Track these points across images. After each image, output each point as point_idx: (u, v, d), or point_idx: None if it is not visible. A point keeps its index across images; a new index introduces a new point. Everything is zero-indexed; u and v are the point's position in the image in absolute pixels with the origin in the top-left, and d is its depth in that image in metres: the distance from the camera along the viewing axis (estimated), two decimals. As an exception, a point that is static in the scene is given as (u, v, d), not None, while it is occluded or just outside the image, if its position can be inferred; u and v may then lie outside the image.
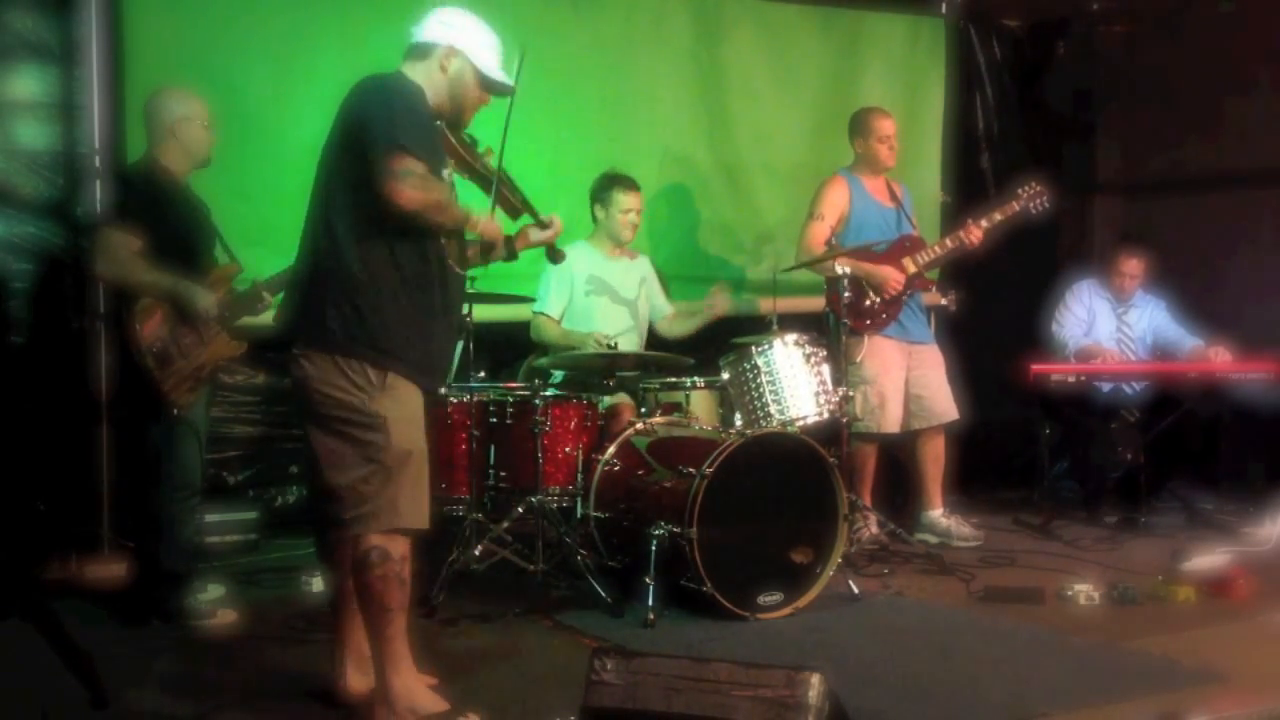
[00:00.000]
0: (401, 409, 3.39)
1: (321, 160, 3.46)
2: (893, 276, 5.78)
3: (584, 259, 5.67)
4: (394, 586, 3.37)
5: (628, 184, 5.67)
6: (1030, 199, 6.02)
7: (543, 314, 5.62)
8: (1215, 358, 6.18)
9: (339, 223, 3.34)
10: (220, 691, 3.78)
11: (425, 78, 3.48)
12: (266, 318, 4.77)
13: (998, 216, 5.96)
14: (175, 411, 4.43)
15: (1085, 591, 4.79)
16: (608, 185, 5.67)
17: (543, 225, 3.82)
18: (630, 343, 5.70)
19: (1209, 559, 5.13)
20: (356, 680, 3.58)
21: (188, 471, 4.54)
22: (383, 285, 3.34)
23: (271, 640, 4.30)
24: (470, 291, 4.95)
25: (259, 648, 4.23)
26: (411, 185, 3.24)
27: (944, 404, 5.94)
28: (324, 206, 3.40)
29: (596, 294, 5.67)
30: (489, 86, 3.58)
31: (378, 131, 3.25)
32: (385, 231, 3.33)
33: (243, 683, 3.87)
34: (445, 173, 3.51)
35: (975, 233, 5.88)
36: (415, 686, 3.44)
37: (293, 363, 3.39)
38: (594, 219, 5.74)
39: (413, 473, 3.41)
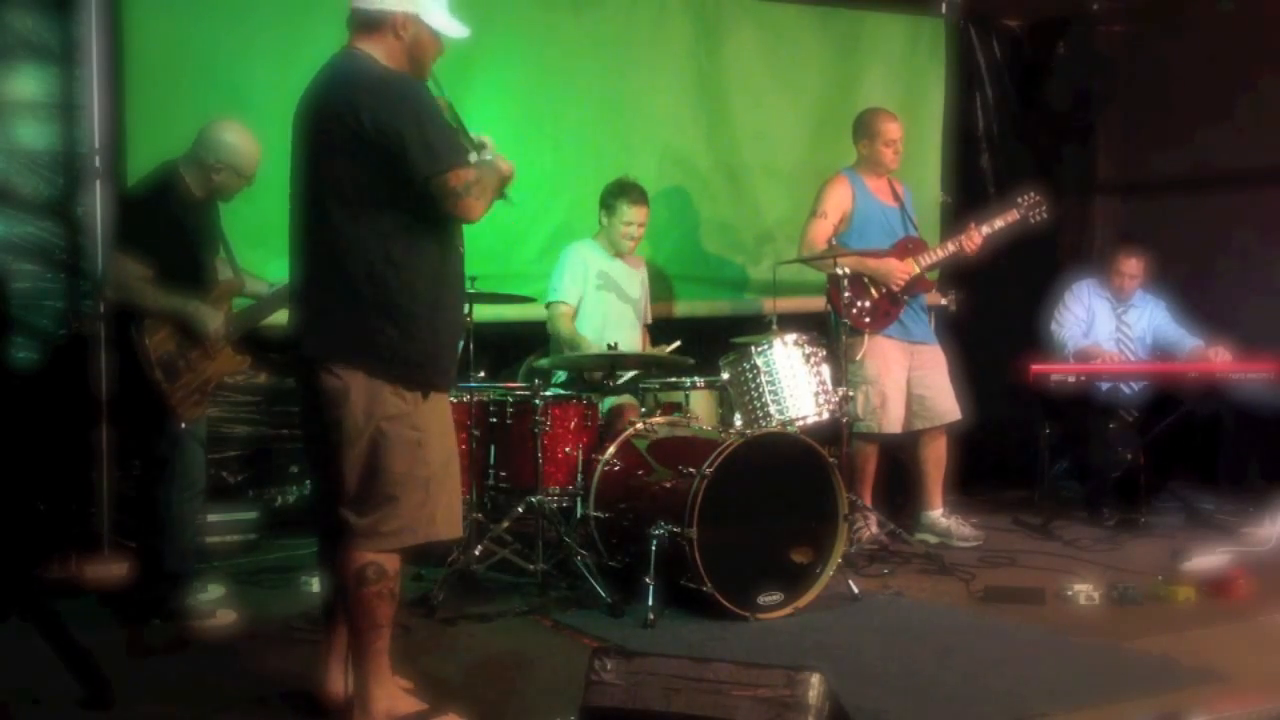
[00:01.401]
0: (439, 420, 3.43)
1: (319, 167, 3.34)
2: (897, 268, 5.78)
3: (594, 255, 5.69)
4: (387, 602, 3.36)
5: (636, 197, 5.66)
6: (1029, 208, 6.04)
7: (562, 303, 5.62)
8: (1215, 358, 6.18)
9: (368, 238, 3.27)
10: (220, 692, 3.78)
11: (384, 50, 3.36)
12: (269, 320, 4.80)
13: (999, 223, 5.97)
14: (183, 425, 4.46)
15: (1085, 591, 4.79)
16: (616, 194, 5.67)
17: (480, 145, 3.59)
18: (633, 343, 5.70)
19: (1209, 559, 5.14)
20: (341, 685, 3.55)
21: (192, 473, 4.59)
22: (420, 297, 3.32)
23: (271, 640, 4.30)
24: (470, 291, 4.96)
25: (259, 648, 4.23)
26: (476, 196, 3.28)
27: (946, 404, 5.94)
28: (341, 219, 3.29)
29: (605, 290, 5.68)
30: (443, 38, 3.49)
31: (420, 155, 3.21)
32: (418, 239, 3.31)
33: (242, 683, 3.87)
34: (481, 154, 3.47)
35: (975, 238, 5.89)
36: (394, 694, 3.44)
37: (324, 373, 3.30)
38: (600, 221, 5.74)
39: (450, 483, 3.44)
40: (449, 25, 3.46)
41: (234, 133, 4.58)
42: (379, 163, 3.24)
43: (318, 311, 3.38)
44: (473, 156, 3.45)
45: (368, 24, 3.39)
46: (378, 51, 3.37)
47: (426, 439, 3.35)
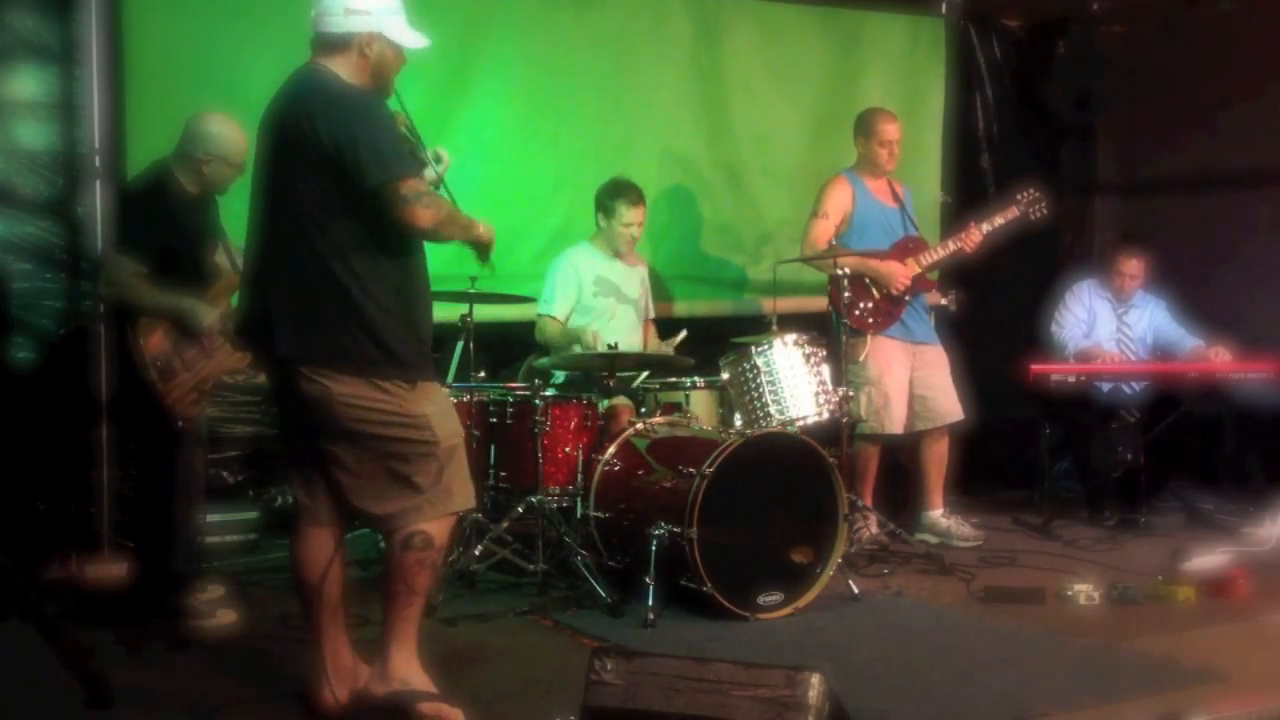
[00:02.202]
0: (437, 404, 3.51)
1: (282, 177, 3.38)
2: (899, 271, 5.78)
3: (589, 260, 5.68)
4: (428, 571, 3.47)
5: (633, 197, 5.64)
6: (1029, 204, 6.04)
7: (547, 315, 5.62)
8: (1215, 358, 6.18)
9: (329, 250, 3.32)
10: (220, 692, 3.78)
11: (348, 67, 3.44)
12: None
13: (998, 220, 5.97)
14: (180, 424, 4.45)
15: (1085, 591, 4.79)
16: (613, 195, 5.65)
17: (437, 159, 3.66)
18: (634, 344, 5.70)
19: (1209, 559, 5.14)
20: (331, 692, 3.54)
21: (192, 475, 4.58)
22: (387, 304, 3.36)
23: (271, 640, 4.30)
24: (470, 291, 4.97)
25: (259, 648, 4.23)
26: (424, 205, 3.32)
27: (948, 404, 5.93)
28: (303, 226, 3.34)
29: (604, 295, 5.67)
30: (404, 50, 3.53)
31: (371, 163, 3.26)
32: (379, 250, 3.36)
33: (242, 683, 3.87)
34: (427, 171, 3.52)
35: (975, 236, 5.89)
36: (414, 666, 3.50)
37: (303, 380, 3.35)
38: (597, 223, 5.74)
39: (460, 457, 3.52)
40: (409, 37, 3.52)
41: (218, 123, 4.57)
42: (336, 174, 3.30)
43: (283, 318, 3.38)
44: (429, 172, 3.53)
45: (332, 45, 3.46)
46: (341, 68, 3.44)
47: (425, 421, 3.41)
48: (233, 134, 4.57)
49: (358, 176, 3.28)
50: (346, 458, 3.39)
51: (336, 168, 3.29)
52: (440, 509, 3.46)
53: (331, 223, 3.33)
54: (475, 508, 3.59)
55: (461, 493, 3.52)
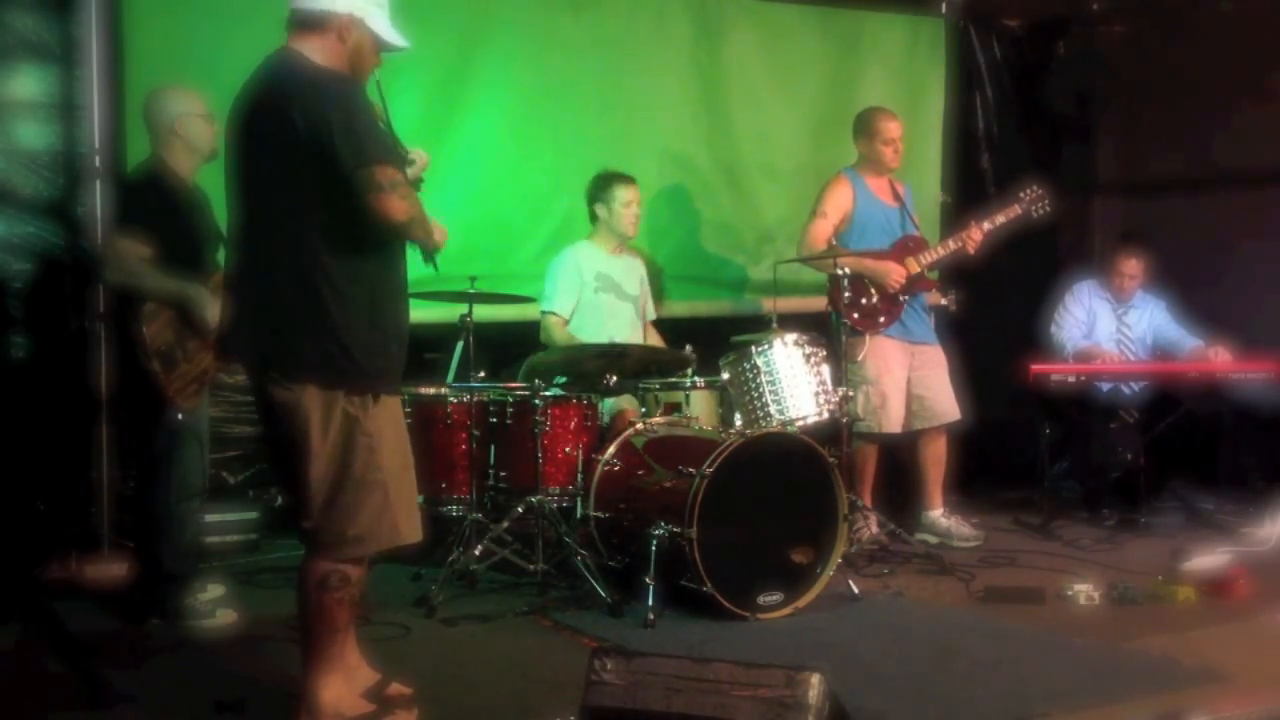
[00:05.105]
0: (391, 423, 3.36)
1: (255, 167, 3.28)
2: (895, 271, 5.78)
3: (589, 257, 5.69)
4: (347, 608, 3.34)
5: (624, 178, 5.68)
6: (1032, 202, 6.03)
7: (552, 314, 5.62)
8: (1215, 358, 6.18)
9: (302, 249, 3.19)
10: (219, 692, 3.77)
11: (323, 52, 3.28)
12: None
13: (1000, 219, 5.97)
14: (179, 416, 4.43)
15: (1085, 591, 4.79)
16: (605, 183, 5.68)
17: (410, 162, 3.52)
18: (633, 341, 5.70)
19: (1209, 559, 5.13)
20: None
21: (190, 474, 4.55)
22: (357, 308, 3.22)
23: (271, 640, 4.29)
24: (470, 291, 4.97)
25: (259, 648, 4.23)
26: (400, 196, 3.18)
27: (946, 404, 5.93)
28: (277, 221, 3.23)
29: (604, 291, 5.68)
30: (385, 49, 3.41)
31: (345, 146, 3.12)
32: (354, 247, 3.22)
33: (241, 683, 3.87)
34: (409, 170, 3.43)
35: (976, 235, 5.89)
36: (344, 694, 3.38)
37: (274, 386, 3.23)
38: (594, 218, 5.74)
39: (408, 486, 3.40)
40: (391, 35, 3.39)
41: (159, 92, 4.61)
42: (310, 162, 3.15)
43: (258, 322, 3.29)
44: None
45: (309, 24, 3.31)
46: (316, 53, 3.29)
47: (379, 443, 3.28)
48: (176, 90, 4.61)
49: (333, 161, 3.11)
50: (306, 471, 3.23)
51: (312, 154, 3.13)
52: (384, 541, 3.31)
53: (306, 217, 3.18)
54: (420, 540, 3.43)
55: (408, 525, 3.35)
